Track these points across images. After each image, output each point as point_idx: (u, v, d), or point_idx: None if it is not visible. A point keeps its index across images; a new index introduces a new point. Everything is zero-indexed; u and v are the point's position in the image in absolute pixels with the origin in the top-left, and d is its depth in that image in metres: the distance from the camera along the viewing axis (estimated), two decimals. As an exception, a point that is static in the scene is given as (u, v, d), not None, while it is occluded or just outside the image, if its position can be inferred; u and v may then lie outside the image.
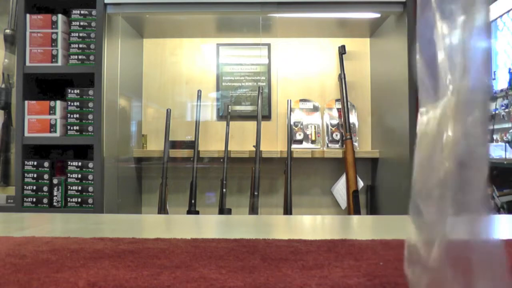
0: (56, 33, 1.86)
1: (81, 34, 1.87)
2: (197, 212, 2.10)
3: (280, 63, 2.32)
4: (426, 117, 0.27)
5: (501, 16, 5.34)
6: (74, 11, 1.88)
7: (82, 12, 1.88)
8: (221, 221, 0.84)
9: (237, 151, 2.15)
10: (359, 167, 2.13)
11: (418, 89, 0.29)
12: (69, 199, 1.84)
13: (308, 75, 2.33)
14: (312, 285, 0.36)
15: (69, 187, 1.84)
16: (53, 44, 1.86)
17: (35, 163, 1.85)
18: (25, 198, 1.84)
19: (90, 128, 1.84)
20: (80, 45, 1.87)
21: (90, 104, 1.85)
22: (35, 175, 1.85)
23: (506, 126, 5.88)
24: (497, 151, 4.92)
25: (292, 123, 2.22)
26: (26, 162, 1.85)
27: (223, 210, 2.09)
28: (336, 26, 2.21)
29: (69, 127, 1.85)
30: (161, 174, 2.13)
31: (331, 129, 2.25)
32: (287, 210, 2.07)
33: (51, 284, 0.37)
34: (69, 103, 1.86)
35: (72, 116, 1.85)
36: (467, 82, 0.21)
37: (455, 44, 0.24)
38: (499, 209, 4.54)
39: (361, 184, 2.14)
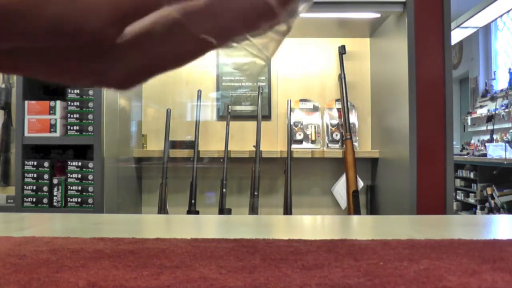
0: (56, 33, 1.86)
1: (81, 34, 1.87)
2: (197, 212, 2.10)
3: (280, 63, 2.32)
4: None
5: (501, 16, 5.34)
6: (74, 11, 1.88)
7: (82, 12, 1.88)
8: (221, 221, 0.84)
9: (237, 151, 2.15)
10: (359, 167, 2.13)
11: None
12: (69, 199, 1.84)
13: (308, 75, 2.33)
14: (312, 285, 0.36)
15: (69, 187, 1.84)
16: (53, 44, 1.86)
17: (35, 163, 1.85)
18: (25, 198, 1.84)
19: (90, 128, 1.84)
20: (80, 45, 1.87)
21: (90, 104, 1.85)
22: (35, 175, 1.85)
23: (506, 126, 5.87)
24: (497, 151, 4.92)
25: (292, 123, 2.22)
26: (26, 162, 1.85)
27: (223, 210, 2.09)
28: (336, 26, 2.20)
29: (69, 127, 1.85)
30: (161, 174, 2.13)
31: (331, 129, 2.25)
32: (287, 210, 2.07)
33: (51, 284, 0.37)
34: (69, 103, 1.86)
35: (72, 116, 1.85)
36: None
37: None
38: (499, 209, 4.54)
39: (361, 184, 2.14)
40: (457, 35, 5.61)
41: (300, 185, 2.27)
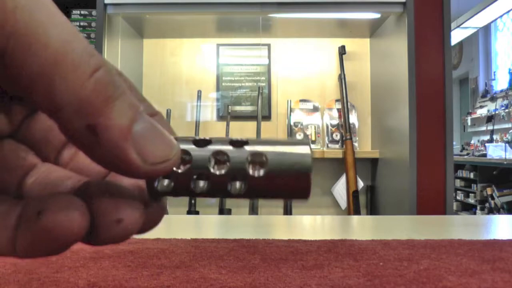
0: (56, 33, 1.87)
1: (81, 34, 1.88)
2: (197, 212, 2.10)
3: (280, 63, 2.32)
4: None
5: (501, 16, 5.34)
6: (74, 11, 1.89)
7: (82, 12, 1.88)
8: (221, 221, 0.84)
9: (237, 151, 2.15)
10: (359, 167, 2.13)
11: None
12: (69, 199, 1.84)
13: (308, 75, 2.33)
14: (312, 285, 0.36)
15: (69, 187, 1.84)
16: (53, 44, 1.86)
17: (35, 163, 1.85)
18: (25, 198, 1.84)
19: (90, 128, 1.84)
20: (80, 45, 1.87)
21: (90, 104, 1.85)
22: (35, 175, 1.85)
23: (506, 126, 5.88)
24: (497, 152, 4.92)
25: (292, 123, 2.22)
26: (26, 162, 1.85)
27: (223, 210, 2.09)
28: (336, 26, 2.21)
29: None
30: (161, 174, 2.13)
31: (331, 129, 2.25)
32: (287, 210, 2.07)
33: (51, 284, 0.37)
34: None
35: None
36: None
37: None
38: (499, 209, 4.54)
39: (361, 184, 2.14)
40: (457, 35, 5.61)
41: (300, 185, 2.26)
